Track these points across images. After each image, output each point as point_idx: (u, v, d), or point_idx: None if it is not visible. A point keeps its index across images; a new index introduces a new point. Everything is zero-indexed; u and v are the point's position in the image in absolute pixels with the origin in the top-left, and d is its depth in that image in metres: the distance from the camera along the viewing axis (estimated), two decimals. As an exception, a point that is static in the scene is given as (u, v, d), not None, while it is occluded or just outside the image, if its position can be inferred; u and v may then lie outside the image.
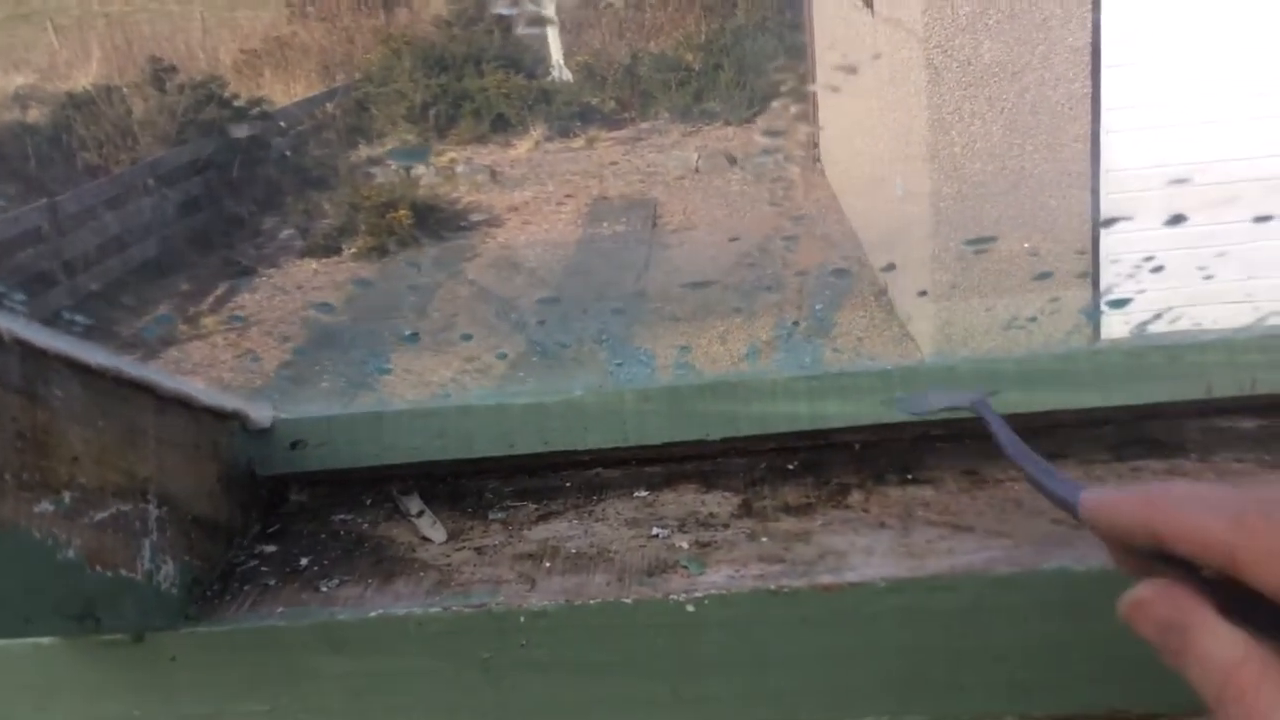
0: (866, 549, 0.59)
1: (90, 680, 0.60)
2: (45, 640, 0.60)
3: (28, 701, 0.61)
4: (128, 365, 0.57)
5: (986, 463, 0.67)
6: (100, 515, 0.54)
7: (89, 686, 0.60)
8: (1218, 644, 0.41)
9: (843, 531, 0.62)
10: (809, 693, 0.58)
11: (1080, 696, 0.57)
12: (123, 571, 0.55)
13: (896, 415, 0.67)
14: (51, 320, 0.50)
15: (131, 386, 0.57)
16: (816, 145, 9.75)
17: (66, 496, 0.51)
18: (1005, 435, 0.56)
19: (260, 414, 0.70)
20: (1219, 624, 0.41)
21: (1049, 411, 0.67)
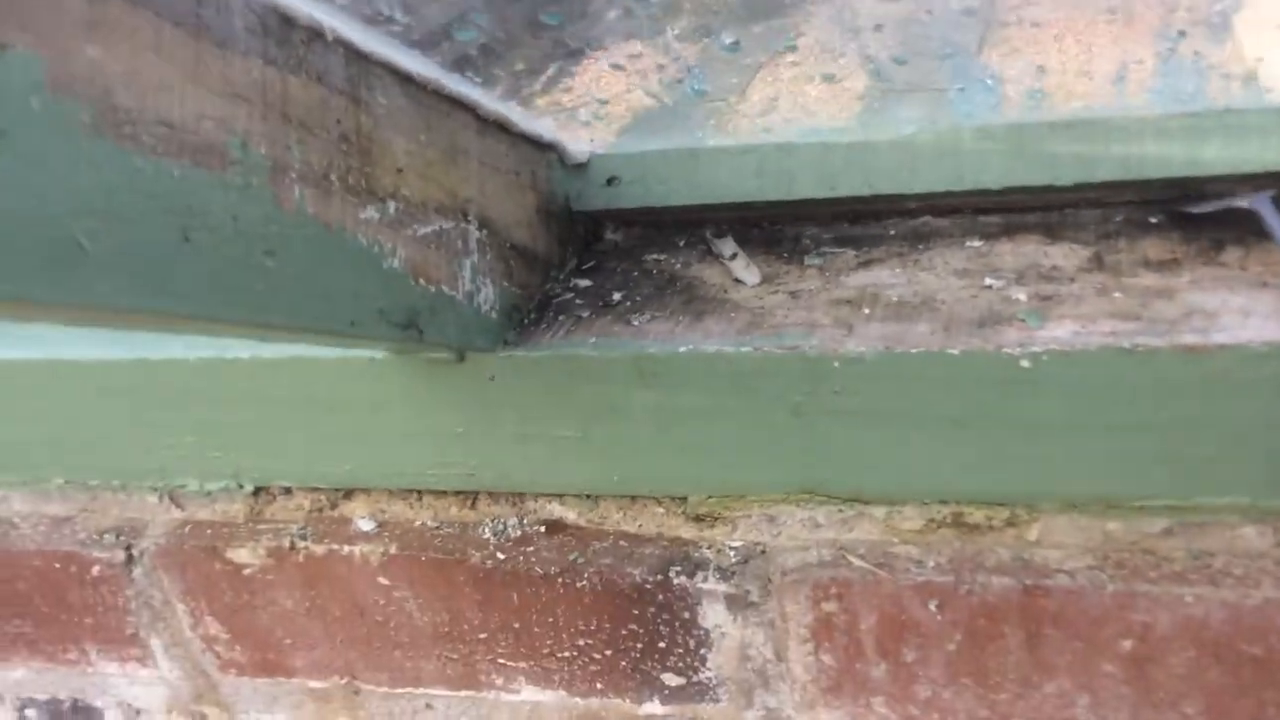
0: (1243, 310, 0.51)
1: (418, 394, 0.63)
2: (379, 355, 0.63)
3: (364, 410, 0.65)
4: (449, 79, 0.56)
5: None
6: (424, 230, 0.54)
7: (417, 399, 0.63)
8: None
9: (1214, 290, 0.53)
10: (1158, 465, 0.52)
11: None
12: (444, 288, 0.56)
13: (1294, 162, 0.57)
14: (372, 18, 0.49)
15: (453, 103, 0.57)
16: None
17: (391, 206, 0.52)
18: None
19: (577, 147, 0.69)
20: None
21: None
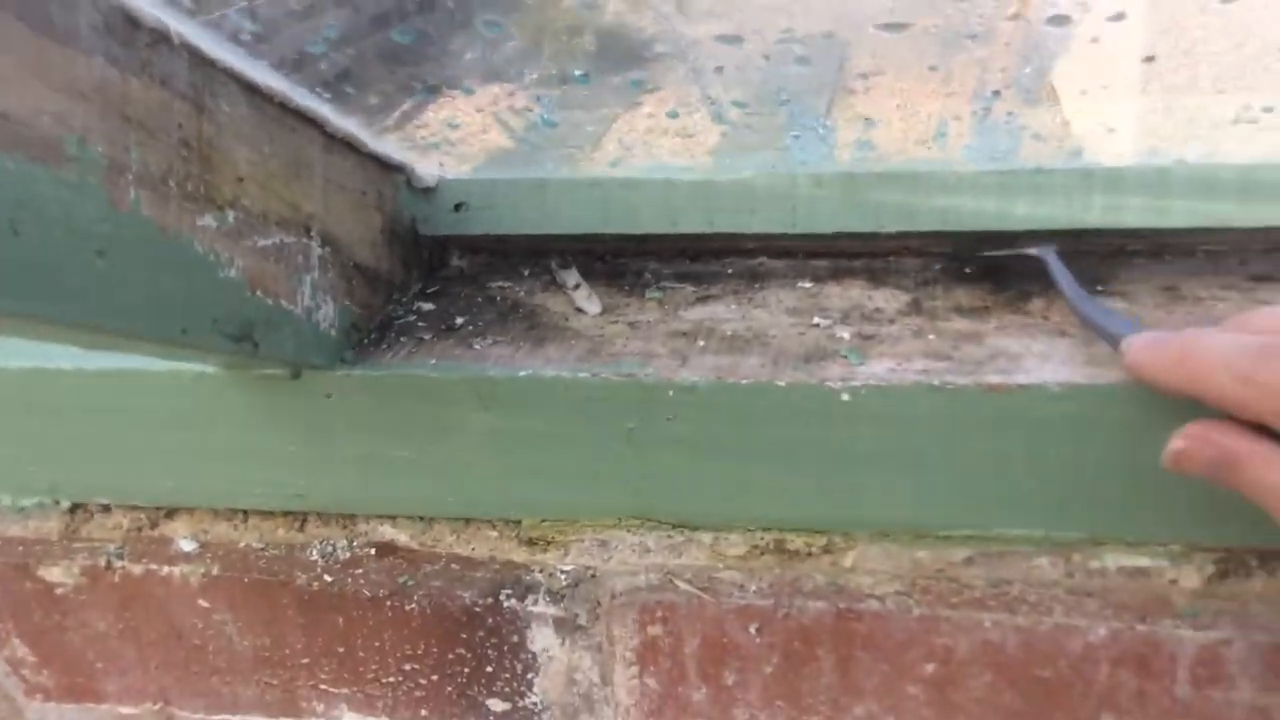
0: (1043, 354, 0.55)
1: (249, 411, 0.62)
2: (210, 370, 0.62)
3: (191, 426, 0.63)
4: (297, 93, 0.56)
5: (1189, 280, 0.61)
6: (263, 241, 0.54)
7: (248, 417, 0.62)
8: (1270, 469, 0.43)
9: (1018, 336, 0.57)
10: (962, 497, 0.56)
11: (1273, 531, 0.52)
12: (283, 302, 0.56)
13: (1090, 221, 0.62)
14: (218, 23, 0.49)
15: (299, 117, 0.57)
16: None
17: (230, 215, 0.51)
18: (1066, 279, 0.58)
19: (426, 171, 0.69)
20: (1268, 448, 0.43)
21: (1267, 229, 0.60)
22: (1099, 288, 0.61)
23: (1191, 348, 0.46)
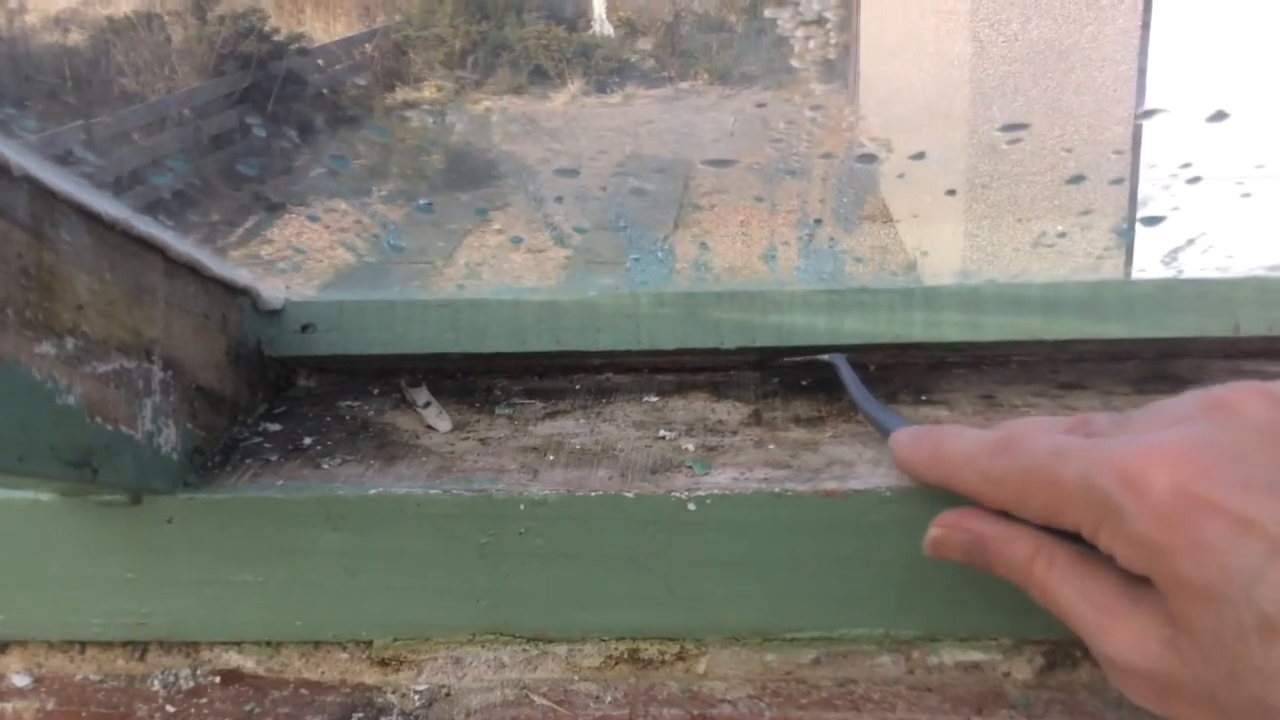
0: (874, 460, 0.58)
1: (87, 538, 0.60)
2: (45, 497, 0.60)
3: (24, 556, 0.61)
4: (138, 220, 0.56)
5: (1004, 389, 0.66)
6: (103, 368, 0.53)
7: (85, 544, 0.60)
8: (1011, 548, 0.46)
9: (851, 444, 0.61)
10: (806, 599, 0.58)
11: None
12: (123, 428, 0.55)
13: (914, 335, 0.66)
14: (62, 158, 0.49)
15: (141, 244, 0.57)
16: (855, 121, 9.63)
17: (69, 342, 0.51)
18: (853, 381, 0.63)
19: (272, 294, 0.69)
20: (1007, 529, 0.47)
21: (1072, 341, 0.66)
22: (923, 397, 0.65)
23: (941, 446, 0.51)
